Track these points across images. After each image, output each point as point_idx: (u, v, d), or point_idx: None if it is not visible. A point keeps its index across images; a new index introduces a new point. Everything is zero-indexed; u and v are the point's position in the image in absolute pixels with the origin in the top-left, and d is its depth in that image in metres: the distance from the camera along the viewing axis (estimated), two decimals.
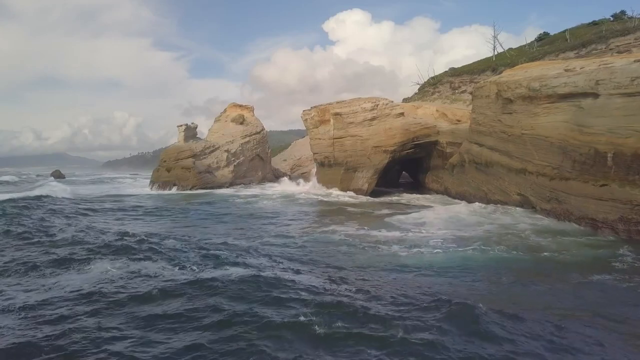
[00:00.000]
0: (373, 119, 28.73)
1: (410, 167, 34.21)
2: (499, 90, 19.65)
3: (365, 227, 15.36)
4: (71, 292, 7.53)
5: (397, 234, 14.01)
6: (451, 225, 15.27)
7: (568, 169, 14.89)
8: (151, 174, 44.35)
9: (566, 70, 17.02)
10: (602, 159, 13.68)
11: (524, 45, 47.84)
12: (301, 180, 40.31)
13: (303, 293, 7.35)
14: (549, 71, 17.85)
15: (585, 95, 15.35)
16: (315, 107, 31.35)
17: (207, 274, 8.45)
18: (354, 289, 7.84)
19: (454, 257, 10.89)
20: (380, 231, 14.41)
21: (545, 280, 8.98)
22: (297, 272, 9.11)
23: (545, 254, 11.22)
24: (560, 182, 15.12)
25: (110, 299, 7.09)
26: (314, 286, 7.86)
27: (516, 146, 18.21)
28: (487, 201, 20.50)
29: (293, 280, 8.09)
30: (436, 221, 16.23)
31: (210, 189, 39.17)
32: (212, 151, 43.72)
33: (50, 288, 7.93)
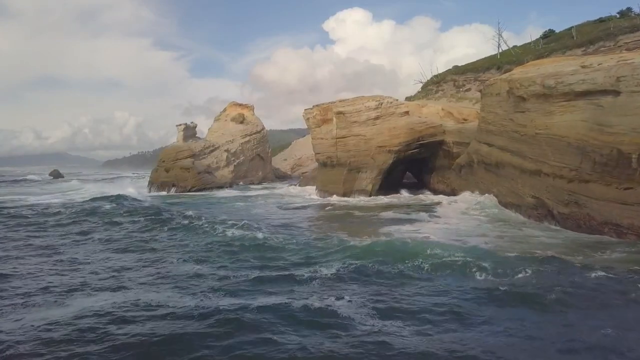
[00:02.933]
0: (377, 118, 27.93)
1: (414, 167, 33.39)
2: (510, 87, 18.83)
3: (367, 236, 14.20)
4: None
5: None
6: (456, 236, 14.32)
7: (588, 171, 14.08)
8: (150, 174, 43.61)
9: (583, 67, 16.19)
10: (625, 160, 12.88)
11: (529, 43, 47.01)
12: (301, 181, 39.55)
13: None
14: (564, 68, 17.01)
15: (605, 92, 14.54)
16: (317, 105, 30.51)
17: None
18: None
19: (459, 284, 9.24)
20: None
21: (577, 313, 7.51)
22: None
23: (574, 267, 10.09)
24: (579, 184, 14.31)
25: None
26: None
27: (530, 146, 17.38)
28: (498, 203, 19.70)
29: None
30: (440, 231, 15.22)
31: (209, 190, 38.38)
32: (212, 151, 42.97)
33: None
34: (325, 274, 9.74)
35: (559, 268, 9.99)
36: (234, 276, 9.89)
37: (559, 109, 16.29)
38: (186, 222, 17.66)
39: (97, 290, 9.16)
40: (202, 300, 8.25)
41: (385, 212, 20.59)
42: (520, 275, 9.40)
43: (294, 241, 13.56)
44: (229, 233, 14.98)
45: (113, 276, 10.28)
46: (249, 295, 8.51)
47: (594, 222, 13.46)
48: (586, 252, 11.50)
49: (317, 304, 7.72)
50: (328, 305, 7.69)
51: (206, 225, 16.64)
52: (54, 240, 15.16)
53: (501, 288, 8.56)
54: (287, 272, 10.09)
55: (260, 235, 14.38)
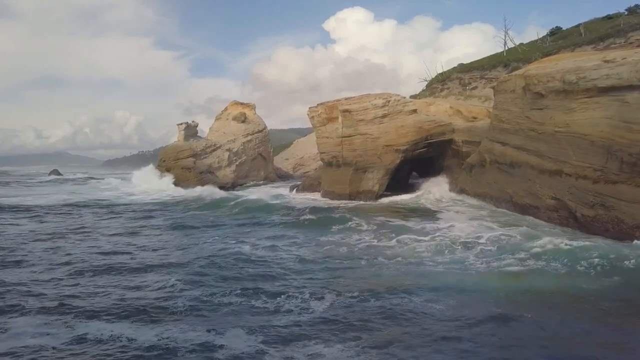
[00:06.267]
0: (384, 116, 27.12)
1: (419, 167, 32.64)
2: (527, 84, 18.05)
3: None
4: None
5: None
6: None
7: (615, 171, 13.31)
8: None
9: (605, 62, 15.41)
10: None
11: (536, 40, 46.26)
12: (304, 181, 38.67)
13: None
14: (585, 63, 16.24)
15: (631, 88, 13.80)
16: (322, 104, 29.73)
17: None
18: None
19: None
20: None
21: None
22: None
23: None
24: (606, 185, 13.54)
25: None
26: None
27: (548, 145, 16.61)
28: (513, 205, 18.94)
29: None
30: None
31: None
32: (213, 150, 42.23)
33: None
34: None
35: None
36: None
37: (580, 106, 15.53)
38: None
39: None
40: None
41: (393, 217, 19.75)
42: None
43: None
44: None
45: None
46: None
47: (624, 225, 12.70)
48: None
49: None
50: None
51: None
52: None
53: None
54: None
55: None
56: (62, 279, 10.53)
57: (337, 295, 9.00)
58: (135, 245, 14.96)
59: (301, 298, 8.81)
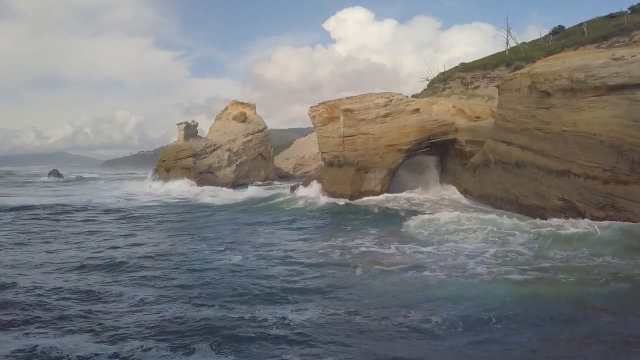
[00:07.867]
0: (386, 115, 26.77)
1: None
2: (533, 82, 17.72)
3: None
4: None
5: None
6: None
7: (625, 171, 13.00)
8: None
9: (614, 59, 15.11)
10: None
11: (538, 39, 45.97)
12: (305, 182, 38.33)
13: None
14: (593, 61, 15.91)
15: None
16: (323, 103, 29.37)
17: None
18: None
19: None
20: None
21: None
22: None
23: None
24: (616, 186, 13.23)
25: None
26: None
27: (555, 145, 16.29)
28: (518, 205, 18.60)
29: None
30: None
31: None
32: (213, 150, 41.95)
33: None
34: None
35: None
36: None
37: (588, 105, 15.21)
38: None
39: None
40: None
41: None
42: None
43: None
44: None
45: None
46: None
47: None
48: None
49: None
50: None
51: None
52: None
53: None
54: None
55: None
56: (30, 284, 9.76)
57: (323, 309, 8.16)
58: (120, 248, 14.16)
59: (283, 311, 8.02)
